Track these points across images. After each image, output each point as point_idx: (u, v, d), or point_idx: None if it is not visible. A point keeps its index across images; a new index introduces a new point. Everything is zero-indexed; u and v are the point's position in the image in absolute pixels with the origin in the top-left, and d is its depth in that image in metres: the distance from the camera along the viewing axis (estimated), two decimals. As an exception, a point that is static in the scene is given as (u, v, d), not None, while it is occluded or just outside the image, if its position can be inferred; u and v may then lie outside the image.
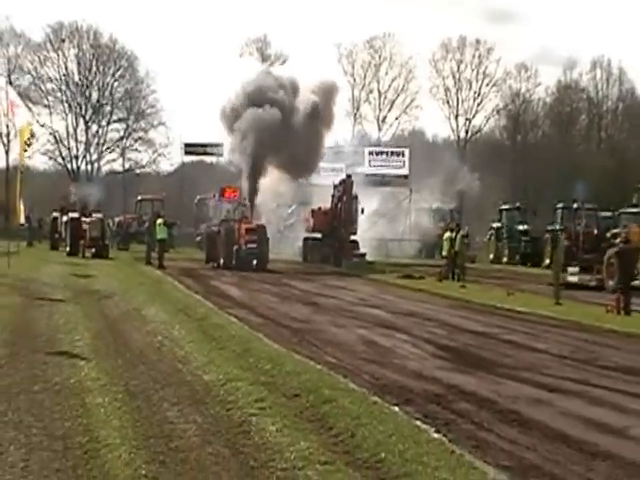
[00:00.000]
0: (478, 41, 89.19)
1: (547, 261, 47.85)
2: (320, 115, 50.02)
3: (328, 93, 52.54)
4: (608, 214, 56.72)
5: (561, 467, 9.79)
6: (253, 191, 46.18)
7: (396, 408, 12.02)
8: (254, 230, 41.95)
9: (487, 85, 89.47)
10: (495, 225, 62.69)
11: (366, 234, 54.27)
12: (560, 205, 56.07)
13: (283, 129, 45.74)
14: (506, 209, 63.19)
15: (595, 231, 53.60)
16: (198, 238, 62.42)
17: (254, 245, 41.26)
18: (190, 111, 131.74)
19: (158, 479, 8.78)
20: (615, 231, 53.45)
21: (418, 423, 11.18)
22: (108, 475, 8.84)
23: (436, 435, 10.61)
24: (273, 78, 49.81)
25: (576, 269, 35.51)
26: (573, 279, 34.70)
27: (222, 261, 41.74)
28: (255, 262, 41.53)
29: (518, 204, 63.95)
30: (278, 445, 9.95)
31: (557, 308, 27.58)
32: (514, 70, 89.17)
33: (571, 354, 18.83)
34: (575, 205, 55.09)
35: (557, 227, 53.26)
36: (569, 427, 11.81)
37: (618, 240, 42.22)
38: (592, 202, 56.33)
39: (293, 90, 49.26)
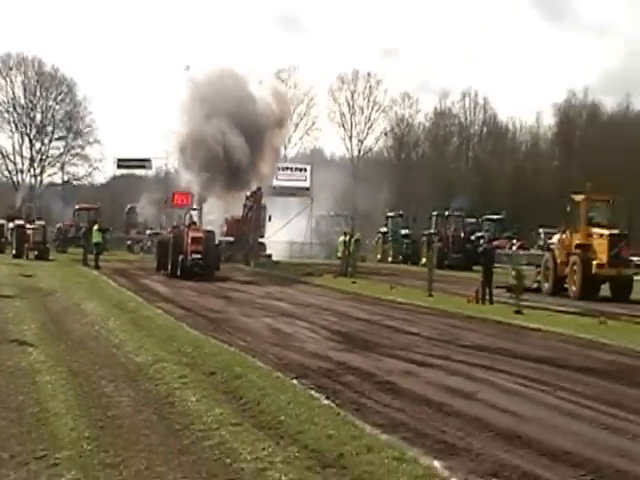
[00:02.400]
0: (369, 74, 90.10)
1: (423, 260, 48.10)
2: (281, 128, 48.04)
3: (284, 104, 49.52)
4: (473, 220, 58.08)
5: (423, 423, 10.24)
6: (203, 199, 41.52)
7: (295, 381, 12.38)
8: (200, 239, 35.62)
9: (376, 111, 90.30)
10: (382, 230, 63.28)
11: (273, 238, 54.62)
12: (434, 213, 57.03)
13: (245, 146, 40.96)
14: (391, 216, 63.86)
15: (462, 234, 54.78)
16: (129, 242, 62.29)
17: (199, 255, 34.94)
18: (122, 129, 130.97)
19: (98, 439, 9.02)
20: (479, 234, 54.90)
21: (312, 392, 11.57)
22: (56, 438, 9.08)
23: (326, 401, 11.03)
24: (232, 81, 43.94)
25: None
26: None
27: (169, 269, 36.14)
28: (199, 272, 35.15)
29: (401, 212, 64.65)
30: (197, 412, 10.29)
31: (429, 299, 28.16)
32: (399, 98, 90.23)
33: (438, 336, 19.33)
34: (447, 213, 56.23)
35: (432, 231, 54.24)
36: (432, 393, 12.25)
37: (482, 242, 43.19)
38: (462, 211, 57.42)
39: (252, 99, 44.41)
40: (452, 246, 52.87)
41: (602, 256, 31.71)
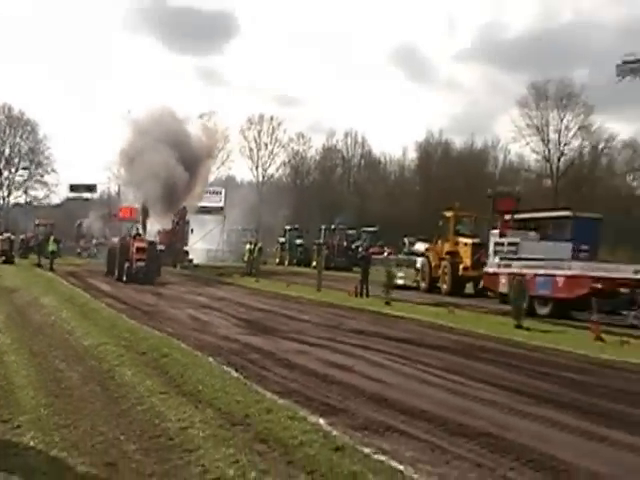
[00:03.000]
0: (272, 117, 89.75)
1: (314, 264, 48.09)
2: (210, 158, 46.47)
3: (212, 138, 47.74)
4: (353, 232, 58.56)
5: (312, 390, 10.37)
6: (146, 214, 38.09)
7: (210, 358, 12.35)
8: (144, 249, 32.83)
9: (277, 147, 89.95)
10: (281, 240, 63.28)
11: (194, 246, 54.21)
12: (323, 226, 57.35)
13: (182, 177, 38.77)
14: (288, 229, 63.82)
15: (345, 243, 55.20)
16: (78, 250, 61.42)
17: (142, 264, 32.16)
18: (74, 160, 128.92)
19: (53, 405, 8.97)
20: (358, 243, 55.38)
21: (224, 367, 11.56)
22: (20, 405, 8.99)
23: (235, 374, 11.04)
24: (170, 118, 42.11)
25: (402, 274, 34.38)
26: (400, 282, 33.33)
27: (116, 274, 33.16)
28: (143, 278, 31.98)
29: (296, 226, 64.70)
30: (132, 383, 10.26)
31: (318, 294, 28.32)
32: (295, 137, 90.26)
33: (324, 322, 19.53)
34: (332, 226, 56.59)
35: (321, 241, 54.45)
36: (319, 367, 12.40)
37: (360, 249, 43.61)
38: (344, 225, 57.85)
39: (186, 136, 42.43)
40: (337, 252, 53.19)
41: (467, 260, 32.11)
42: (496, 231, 28.77)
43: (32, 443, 7.42)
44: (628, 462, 7.77)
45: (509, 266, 25.69)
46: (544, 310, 23.49)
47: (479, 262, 31.64)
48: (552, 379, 12.34)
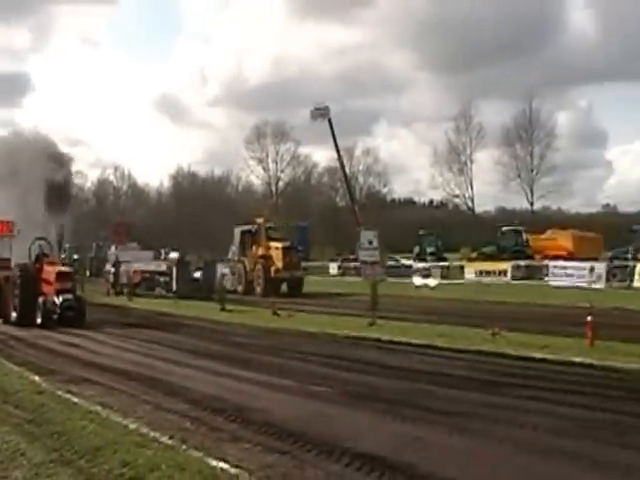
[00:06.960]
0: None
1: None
2: None
3: None
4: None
5: (42, 361, 11.16)
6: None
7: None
8: (68, 275, 17.89)
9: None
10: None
11: None
12: (94, 244, 54.45)
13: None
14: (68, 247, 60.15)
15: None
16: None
17: (70, 295, 17.19)
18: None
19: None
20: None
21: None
22: None
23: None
24: None
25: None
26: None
27: (16, 315, 17.56)
28: (73, 316, 16.96)
29: (75, 244, 61.10)
30: None
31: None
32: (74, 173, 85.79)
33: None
34: (100, 243, 53.79)
35: (92, 255, 51.24)
36: (56, 346, 13.05)
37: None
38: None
39: None
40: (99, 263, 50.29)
41: (278, 263, 27.79)
42: (113, 246, 35.85)
43: None
44: (243, 389, 8.79)
45: (116, 267, 30.51)
46: (125, 290, 28.05)
47: (291, 264, 27.75)
48: (223, 342, 13.57)
